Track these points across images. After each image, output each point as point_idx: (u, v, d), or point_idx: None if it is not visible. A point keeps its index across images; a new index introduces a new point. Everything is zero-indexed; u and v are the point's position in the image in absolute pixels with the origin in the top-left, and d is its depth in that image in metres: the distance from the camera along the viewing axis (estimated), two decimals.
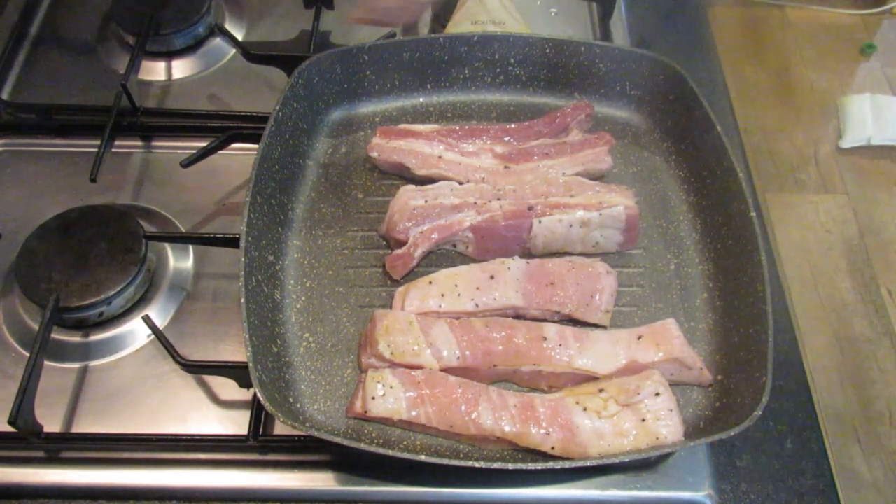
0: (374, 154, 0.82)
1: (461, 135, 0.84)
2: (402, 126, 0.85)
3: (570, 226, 0.76)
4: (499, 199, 0.78)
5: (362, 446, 0.62)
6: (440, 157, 0.82)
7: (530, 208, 0.77)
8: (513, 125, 0.86)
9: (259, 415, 0.70)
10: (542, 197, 0.78)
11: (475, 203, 0.78)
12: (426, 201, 0.78)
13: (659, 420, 0.65)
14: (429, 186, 0.80)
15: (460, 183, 0.81)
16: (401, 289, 0.75)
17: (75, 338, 0.76)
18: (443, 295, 0.73)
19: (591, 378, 0.69)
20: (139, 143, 0.92)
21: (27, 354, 0.70)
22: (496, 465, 0.62)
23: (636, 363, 0.69)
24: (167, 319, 0.78)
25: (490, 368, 0.70)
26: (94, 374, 0.75)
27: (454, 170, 0.82)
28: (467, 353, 0.69)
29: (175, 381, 0.74)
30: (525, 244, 0.78)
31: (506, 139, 0.85)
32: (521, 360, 0.69)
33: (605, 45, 0.88)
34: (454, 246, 0.79)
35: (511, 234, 0.76)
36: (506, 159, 0.83)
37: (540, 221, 0.76)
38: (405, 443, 0.68)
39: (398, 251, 0.77)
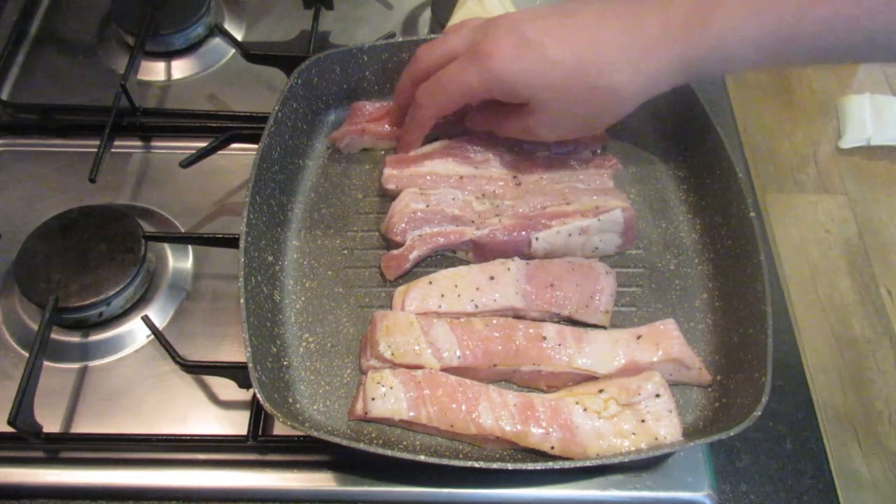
0: (391, 186, 0.80)
1: (471, 143, 0.83)
2: (413, 153, 0.83)
3: (570, 235, 0.76)
4: (497, 215, 0.78)
5: (362, 446, 0.62)
6: (461, 177, 0.81)
7: (529, 221, 0.76)
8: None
9: (259, 415, 0.70)
10: (539, 208, 0.78)
11: (473, 222, 0.77)
12: (427, 206, 0.77)
13: (658, 421, 0.65)
14: (432, 192, 0.79)
15: (463, 192, 0.80)
16: (400, 288, 0.75)
17: (75, 338, 0.76)
18: (442, 295, 0.73)
19: (590, 378, 0.69)
20: (138, 143, 0.92)
21: (26, 355, 0.70)
22: (496, 466, 0.62)
23: (635, 363, 0.69)
24: (167, 320, 0.78)
25: (490, 368, 0.70)
26: (94, 375, 0.75)
27: (469, 184, 0.81)
28: (468, 352, 0.69)
29: (175, 381, 0.74)
30: (525, 253, 0.77)
31: (514, 147, 0.84)
32: (520, 360, 0.69)
33: None
34: (453, 252, 0.79)
35: (510, 248, 0.76)
36: (514, 168, 0.82)
37: (537, 239, 0.76)
38: (405, 443, 0.68)
39: (394, 252, 0.77)
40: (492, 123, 0.79)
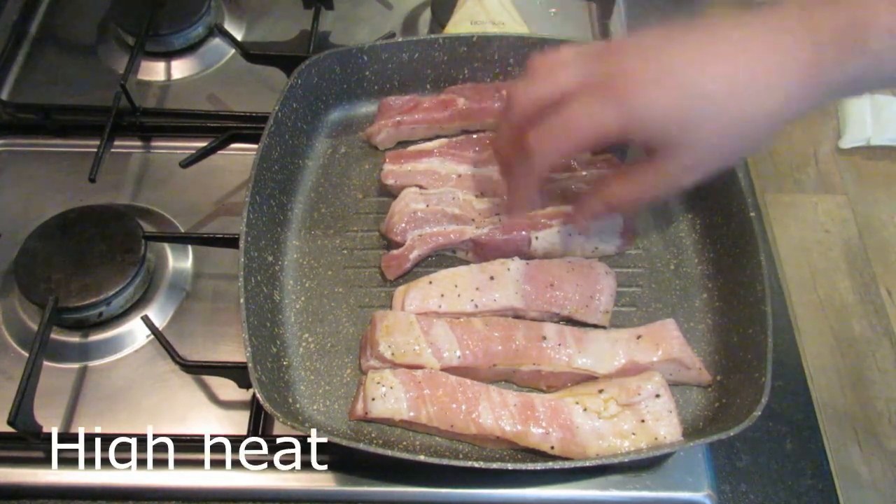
0: (391, 181, 0.80)
1: (470, 143, 0.84)
2: (412, 148, 0.84)
3: (570, 234, 0.76)
4: (497, 213, 0.78)
5: (362, 446, 0.62)
6: (459, 175, 0.81)
7: (529, 220, 0.76)
8: None
9: (258, 415, 0.70)
10: (538, 208, 0.78)
11: (473, 220, 0.77)
12: (427, 205, 0.77)
13: (658, 421, 0.65)
14: (432, 191, 0.79)
15: (462, 191, 0.80)
16: (400, 288, 0.75)
17: (74, 338, 0.76)
18: (442, 295, 0.73)
19: (590, 378, 0.69)
20: (138, 143, 0.92)
21: (26, 355, 0.70)
22: (495, 466, 0.62)
23: (635, 363, 0.69)
24: (166, 320, 0.78)
25: (490, 368, 0.70)
26: (94, 375, 0.75)
27: (468, 183, 0.81)
28: (468, 352, 0.69)
29: (174, 381, 0.74)
30: (525, 252, 0.77)
31: None
32: (520, 360, 0.69)
33: None
34: (453, 252, 0.79)
35: (510, 247, 0.76)
36: None
37: (537, 238, 0.76)
38: (405, 443, 0.68)
39: (394, 252, 0.77)
40: (619, 192, 0.67)
